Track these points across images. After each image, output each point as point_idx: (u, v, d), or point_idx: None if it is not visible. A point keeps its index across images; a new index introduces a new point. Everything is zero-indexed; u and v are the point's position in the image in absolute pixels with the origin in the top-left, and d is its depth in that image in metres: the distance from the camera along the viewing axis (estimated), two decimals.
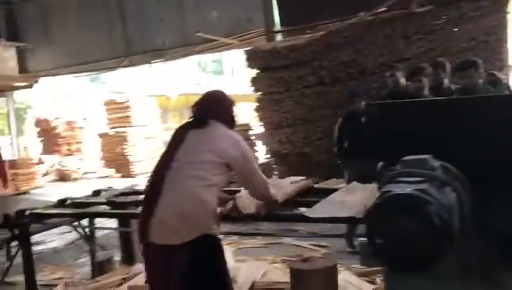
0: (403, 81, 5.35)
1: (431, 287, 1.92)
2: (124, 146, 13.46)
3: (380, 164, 1.64)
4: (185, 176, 2.37)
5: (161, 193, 2.37)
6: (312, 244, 5.24)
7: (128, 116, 13.83)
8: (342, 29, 7.76)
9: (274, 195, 2.60)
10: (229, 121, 2.61)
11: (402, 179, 1.44)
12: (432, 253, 1.30)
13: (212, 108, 2.57)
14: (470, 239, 1.52)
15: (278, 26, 9.73)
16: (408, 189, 1.33)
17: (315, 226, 5.72)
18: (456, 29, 7.04)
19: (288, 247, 5.37)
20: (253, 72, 8.73)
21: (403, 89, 5.22)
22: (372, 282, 3.54)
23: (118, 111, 14.02)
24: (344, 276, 3.60)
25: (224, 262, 2.48)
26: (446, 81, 4.95)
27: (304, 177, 7.90)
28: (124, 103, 13.95)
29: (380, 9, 7.93)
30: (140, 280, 4.22)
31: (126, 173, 13.36)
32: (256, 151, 8.90)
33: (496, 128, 1.75)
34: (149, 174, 2.58)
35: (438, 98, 3.96)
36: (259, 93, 8.77)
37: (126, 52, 12.38)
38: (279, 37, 9.69)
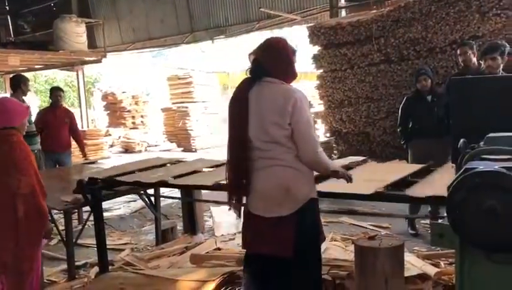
0: (474, 60, 5.07)
1: (504, 272, 1.84)
2: (186, 121, 13.80)
3: (462, 140, 1.56)
4: (269, 157, 2.40)
5: (249, 171, 2.43)
6: (372, 225, 5.17)
7: (190, 92, 14.12)
8: (411, 5, 7.42)
9: (330, 164, 2.51)
10: (288, 72, 2.52)
11: (486, 156, 1.37)
12: None
13: (270, 59, 2.47)
14: None
15: (342, 1, 9.47)
16: (494, 166, 1.27)
17: (375, 207, 5.64)
18: None
19: (347, 226, 5.33)
20: (316, 49, 8.59)
21: (474, 68, 4.94)
22: (436, 265, 3.44)
23: (181, 86, 14.34)
24: (407, 257, 3.52)
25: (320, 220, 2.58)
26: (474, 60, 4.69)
27: (364, 157, 7.78)
28: (186, 78, 14.23)
29: None
30: (202, 249, 4.38)
31: (187, 147, 13.74)
32: (317, 129, 8.81)
33: None
34: (228, 149, 2.54)
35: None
36: (321, 70, 8.63)
37: (189, 29, 12.57)
38: (343, 12, 9.44)
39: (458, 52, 5.32)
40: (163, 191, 5.11)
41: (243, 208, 2.55)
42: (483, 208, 1.26)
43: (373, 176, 2.92)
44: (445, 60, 7.14)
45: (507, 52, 4.47)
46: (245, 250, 2.62)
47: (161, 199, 5.01)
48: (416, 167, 3.17)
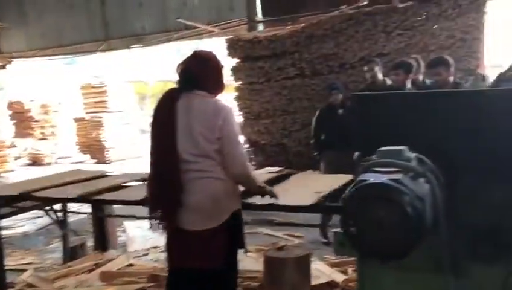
0: (380, 75, 5.41)
1: (402, 278, 1.96)
2: (100, 132, 13.25)
3: (357, 153, 1.65)
4: (197, 169, 2.37)
5: (181, 184, 2.36)
6: (286, 234, 5.27)
7: (104, 102, 13.60)
8: (323, 22, 7.78)
9: (257, 179, 2.54)
10: (218, 85, 2.51)
11: (377, 169, 1.45)
12: (403, 243, 1.32)
13: (200, 71, 2.44)
14: (441, 231, 1.54)
15: (259, 16, 9.68)
16: (383, 178, 1.35)
17: (292, 217, 5.77)
18: (436, 26, 7.14)
19: (263, 237, 5.39)
20: (234, 61, 8.69)
21: (380, 83, 5.27)
22: (344, 272, 3.58)
23: (95, 96, 13.77)
24: (317, 266, 3.64)
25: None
26: (421, 77, 5.03)
27: (281, 168, 7.92)
28: (101, 87, 13.71)
29: (362, 3, 7.99)
30: (114, 265, 4.20)
31: (101, 159, 13.18)
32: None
33: (469, 122, 1.78)
34: (152, 160, 2.46)
35: (414, 91, 4.02)
36: (239, 82, 8.75)
37: (104, 36, 12.16)
38: (260, 27, 9.66)
39: (365, 68, 5.62)
40: (72, 206, 4.83)
41: (164, 222, 2.48)
42: (373, 218, 1.32)
43: (308, 187, 2.93)
44: (355, 75, 7.55)
45: (414, 70, 4.78)
46: (163, 264, 2.55)
47: (71, 214, 4.75)
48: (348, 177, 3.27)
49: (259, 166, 8.56)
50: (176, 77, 2.52)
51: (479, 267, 1.86)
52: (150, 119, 2.51)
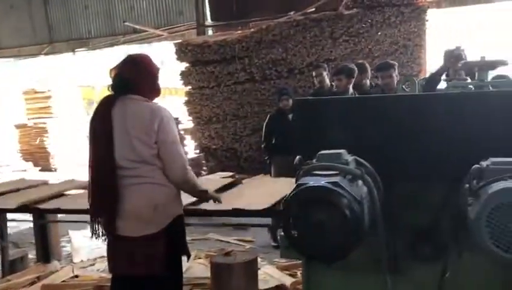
0: (327, 81, 5.52)
1: (346, 279, 2.00)
2: (44, 138, 12.72)
3: (297, 157, 1.67)
4: (135, 175, 2.34)
5: (118, 190, 2.32)
6: (237, 239, 5.26)
7: (49, 107, 13.08)
8: (272, 28, 7.86)
9: (198, 183, 2.53)
10: (153, 89, 2.47)
11: (317, 172, 1.47)
12: (342, 245, 1.35)
13: (134, 75, 2.40)
14: (379, 232, 1.58)
15: (209, 20, 9.66)
16: (321, 181, 1.37)
17: (240, 221, 5.76)
18: (380, 33, 7.38)
19: (214, 242, 5.35)
20: (183, 66, 8.61)
21: (328, 88, 5.38)
22: (293, 275, 3.61)
23: (38, 101, 13.22)
24: (266, 270, 3.65)
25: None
26: (367, 81, 5.18)
27: (232, 173, 7.92)
28: (45, 92, 13.18)
29: (310, 10, 8.14)
30: (57, 277, 4.03)
31: (46, 167, 12.65)
32: (185, 145, 8.79)
33: (407, 125, 1.84)
34: (89, 169, 2.42)
35: (351, 96, 4.13)
36: (189, 87, 8.67)
37: (48, 39, 11.71)
38: (210, 31, 9.63)
39: (314, 73, 5.71)
40: (11, 216, 4.60)
41: (104, 230, 2.43)
42: (313, 221, 1.34)
43: (263, 191, 2.93)
44: (303, 80, 7.68)
45: (355, 74, 4.91)
46: (110, 274, 2.51)
47: (11, 225, 4.51)
48: None
49: (211, 171, 8.50)
50: (109, 82, 2.47)
51: (417, 266, 1.93)
52: (88, 128, 2.45)
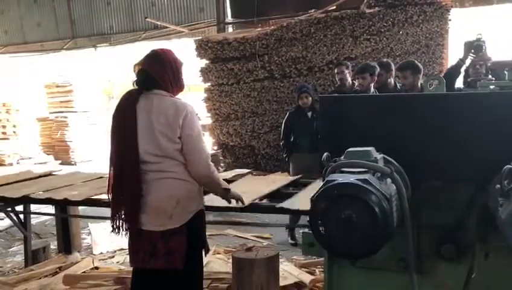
0: (349, 79, 5.49)
1: (369, 277, 1.99)
2: (65, 132, 12.91)
3: (325, 154, 1.67)
4: (158, 170, 2.36)
5: (141, 185, 2.35)
6: (255, 236, 5.28)
7: (70, 101, 13.27)
8: (292, 25, 7.85)
9: (222, 181, 2.53)
10: (177, 84, 2.48)
11: (345, 169, 1.47)
12: (371, 242, 1.35)
13: (159, 70, 2.41)
14: (407, 231, 1.58)
15: (229, 17, 9.68)
16: (351, 178, 1.37)
17: (258, 218, 5.78)
18: (401, 32, 7.31)
19: (232, 238, 5.38)
20: (203, 63, 8.65)
21: (349, 86, 5.35)
22: (312, 273, 3.61)
23: (60, 95, 13.41)
24: (285, 267, 3.66)
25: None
26: (392, 80, 5.12)
27: (249, 170, 7.94)
28: (67, 86, 13.37)
29: (331, 8, 8.10)
30: (78, 268, 4.10)
31: (66, 160, 12.84)
32: (204, 142, 8.84)
33: (435, 124, 1.83)
34: (111, 162, 2.45)
35: (381, 94, 4.10)
36: (208, 84, 8.71)
37: (70, 34, 11.88)
38: (230, 28, 9.65)
39: (336, 70, 5.68)
40: (35, 207, 4.69)
41: (126, 224, 2.45)
42: (342, 218, 1.34)
43: (250, 188, 2.98)
44: (323, 78, 7.66)
45: (377, 73, 4.88)
46: (129, 267, 2.54)
47: (33, 216, 4.60)
48: (290, 179, 3.32)
49: (228, 167, 8.55)
50: (134, 77, 2.49)
51: (442, 266, 1.92)
52: (110, 122, 2.48)
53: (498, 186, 1.45)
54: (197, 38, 8.99)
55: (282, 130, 5.58)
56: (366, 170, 1.46)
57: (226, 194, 2.53)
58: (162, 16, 10.37)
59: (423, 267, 1.94)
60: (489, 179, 1.62)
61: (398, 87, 4.95)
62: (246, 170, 8.19)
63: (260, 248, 2.84)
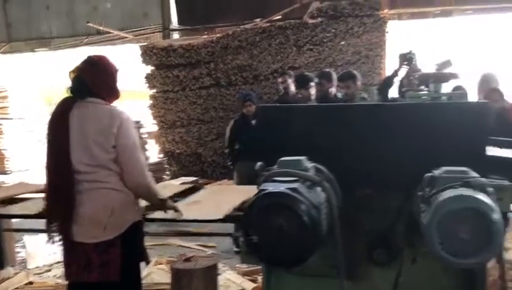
0: (292, 88, 5.57)
1: (305, 283, 2.03)
2: None
3: (259, 164, 1.69)
4: (92, 180, 2.30)
5: (74, 195, 2.29)
6: (199, 245, 5.23)
7: (5, 107, 12.59)
8: (238, 34, 7.90)
9: (157, 191, 2.50)
10: (112, 91, 2.44)
11: (277, 178, 1.50)
12: (300, 250, 1.37)
13: (93, 77, 2.37)
14: (336, 238, 1.62)
15: (175, 24, 9.60)
16: (281, 187, 1.39)
17: (205, 226, 5.73)
18: (343, 42, 7.54)
19: (176, 248, 5.30)
20: (148, 69, 8.53)
21: (292, 95, 5.43)
22: (254, 281, 3.63)
23: None
24: (227, 275, 3.66)
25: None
26: (333, 90, 5.25)
27: (196, 178, 7.84)
28: (1, 92, 12.69)
29: (275, 18, 8.23)
30: (11, 284, 3.90)
31: (0, 169, 12.17)
32: (147, 150, 8.68)
33: (365, 133, 1.90)
34: (46, 173, 2.38)
35: (317, 104, 4.20)
36: (154, 90, 8.59)
37: (5, 38, 11.32)
38: (175, 35, 9.58)
39: (279, 80, 5.75)
40: None
41: (59, 235, 2.38)
42: (272, 226, 1.36)
43: (221, 199, 2.91)
44: (268, 86, 7.75)
45: (314, 83, 4.98)
46: (66, 281, 2.45)
47: None
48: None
49: (174, 176, 8.44)
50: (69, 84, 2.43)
51: (374, 271, 1.98)
52: (46, 130, 2.40)
53: (420, 193, 1.53)
54: (142, 44, 8.85)
55: (226, 138, 5.58)
56: (297, 179, 1.49)
57: (162, 204, 2.49)
58: (105, 21, 10.11)
59: (356, 272, 2.00)
60: (415, 187, 1.70)
61: (339, 96, 5.10)
62: (192, 178, 8.14)
63: (200, 257, 2.82)
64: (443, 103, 1.96)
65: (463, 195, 1.34)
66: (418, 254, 1.87)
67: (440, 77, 1.92)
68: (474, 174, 1.48)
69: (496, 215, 1.32)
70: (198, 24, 9.10)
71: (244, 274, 3.75)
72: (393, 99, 3.73)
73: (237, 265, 4.20)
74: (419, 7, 8.05)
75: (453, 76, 1.91)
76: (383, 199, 1.93)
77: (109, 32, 10.04)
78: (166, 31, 9.39)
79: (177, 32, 9.56)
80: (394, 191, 1.91)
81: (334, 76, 5.22)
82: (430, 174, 1.54)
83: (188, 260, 2.72)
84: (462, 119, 1.73)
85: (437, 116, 1.78)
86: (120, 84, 2.49)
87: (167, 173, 8.66)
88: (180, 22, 9.51)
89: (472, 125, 1.71)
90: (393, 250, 1.95)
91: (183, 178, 8.18)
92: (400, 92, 3.98)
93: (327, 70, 5.68)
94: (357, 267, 1.97)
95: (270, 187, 1.41)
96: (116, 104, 2.51)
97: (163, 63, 8.31)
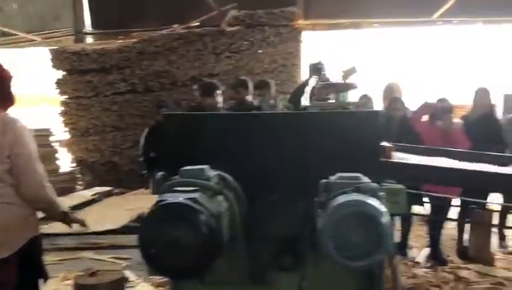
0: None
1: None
2: None
3: (159, 173, 1.66)
4: None
5: None
6: (113, 257, 5.03)
7: None
8: (155, 39, 7.77)
9: (59, 204, 2.37)
10: (3, 99, 2.29)
11: (177, 188, 1.47)
12: (199, 260, 1.36)
13: None
14: (240, 245, 1.63)
15: (88, 27, 9.23)
16: (180, 198, 1.37)
17: (119, 238, 5.53)
18: (260, 51, 7.69)
19: (88, 261, 5.05)
20: (59, 74, 8.11)
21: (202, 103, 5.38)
22: None
23: None
24: (142, 287, 3.55)
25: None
26: (249, 98, 5.30)
27: (111, 188, 7.54)
28: None
29: (193, 24, 8.20)
30: None
31: None
32: (58, 159, 8.23)
33: (271, 142, 1.93)
34: None
35: (222, 112, 4.22)
36: (65, 96, 8.17)
37: None
38: (89, 39, 9.21)
39: (195, 87, 5.72)
40: None
41: None
42: (169, 238, 1.33)
43: (122, 208, 2.83)
44: (186, 93, 7.68)
45: (222, 91, 4.93)
46: None
47: None
48: None
49: (88, 186, 8.08)
50: None
51: (281, 276, 2.02)
52: None
53: (317, 199, 1.58)
54: (53, 47, 8.40)
55: (141, 146, 5.44)
56: (198, 188, 1.48)
57: (65, 217, 2.36)
58: (12, 23, 9.48)
59: (264, 277, 2.02)
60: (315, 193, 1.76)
61: (256, 104, 5.16)
62: (107, 188, 7.83)
63: (106, 271, 2.70)
64: (339, 112, 2.05)
65: (353, 200, 1.40)
66: (321, 257, 1.93)
67: (339, 87, 2.01)
68: (366, 179, 1.55)
69: (385, 219, 1.39)
70: (113, 28, 8.83)
71: (158, 285, 3.67)
72: (305, 108, 3.87)
73: (151, 276, 4.08)
74: (331, 19, 8.42)
75: (351, 86, 2.01)
76: (289, 205, 1.97)
77: (15, 34, 9.42)
78: (79, 34, 9.00)
79: (90, 36, 9.20)
80: (299, 197, 1.95)
81: (251, 84, 5.29)
82: (325, 180, 1.59)
83: (93, 274, 2.60)
84: (356, 126, 1.82)
85: (334, 124, 1.85)
86: (15, 90, 2.34)
87: (80, 183, 8.26)
88: (93, 25, 9.16)
89: (365, 132, 1.80)
90: (298, 255, 2.00)
91: (97, 188, 7.86)
92: (311, 101, 4.12)
93: (243, 78, 5.74)
94: (264, 272, 2.00)
95: (169, 198, 1.38)
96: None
97: (75, 68, 7.95)
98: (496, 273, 4.20)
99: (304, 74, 7.60)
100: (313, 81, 4.11)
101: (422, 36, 9.02)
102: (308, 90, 4.29)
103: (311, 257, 1.99)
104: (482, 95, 4.78)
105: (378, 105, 4.82)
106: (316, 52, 7.53)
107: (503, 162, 2.51)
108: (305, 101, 4.37)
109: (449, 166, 2.24)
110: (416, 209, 4.99)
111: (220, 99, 4.65)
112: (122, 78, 7.84)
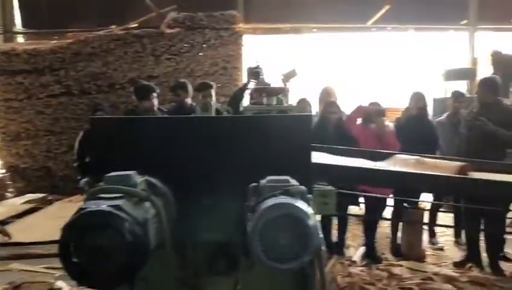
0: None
1: None
2: None
3: (83, 180, 1.59)
4: None
5: None
6: (46, 267, 4.79)
7: None
8: (91, 40, 7.51)
9: None
10: None
11: (101, 195, 1.42)
12: (123, 269, 1.31)
13: None
14: (168, 252, 1.60)
15: (19, 27, 8.78)
16: (103, 205, 1.32)
17: (52, 248, 5.27)
18: (201, 54, 7.64)
19: (19, 273, 4.78)
20: None
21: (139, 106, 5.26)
22: None
23: None
24: None
25: None
26: (189, 100, 5.22)
27: (45, 195, 7.21)
28: None
29: (131, 25, 8.02)
30: None
31: None
32: None
33: (203, 146, 1.91)
34: None
35: (149, 116, 4.13)
36: None
37: None
38: (20, 38, 8.76)
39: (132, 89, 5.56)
40: None
41: None
42: (92, 247, 1.29)
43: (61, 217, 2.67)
44: (124, 96, 7.48)
45: (157, 94, 4.81)
46: None
47: None
48: None
49: (19, 193, 7.68)
50: None
51: (215, 281, 2.00)
52: None
53: (247, 203, 1.58)
54: None
55: (75, 150, 5.22)
56: (123, 195, 1.43)
57: None
58: None
59: (199, 283, 1.99)
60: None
61: (196, 107, 5.11)
62: (40, 195, 7.46)
63: (33, 283, 2.57)
64: (270, 116, 2.07)
65: (280, 203, 1.41)
66: (254, 261, 1.94)
67: (271, 91, 2.03)
68: (294, 182, 1.57)
69: (311, 221, 1.41)
70: (46, 28, 8.44)
71: None
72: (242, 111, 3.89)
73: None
74: (271, 23, 8.53)
75: (282, 90, 2.04)
76: (222, 209, 1.97)
77: None
78: (8, 34, 8.53)
79: (21, 35, 8.75)
80: (232, 201, 1.95)
81: (190, 87, 5.22)
82: (254, 184, 1.60)
83: (18, 287, 2.46)
84: (287, 130, 1.84)
85: (266, 128, 1.87)
86: None
87: (11, 190, 7.83)
88: (24, 25, 8.73)
89: (296, 135, 1.83)
90: (232, 259, 1.99)
91: (29, 195, 7.48)
92: (251, 104, 4.15)
93: (182, 80, 5.66)
94: (198, 278, 1.97)
95: (91, 205, 1.33)
96: None
97: (4, 69, 7.53)
98: (426, 268, 4.41)
99: (245, 77, 7.64)
100: (251, 85, 4.14)
101: (358, 42, 9.35)
102: (247, 93, 4.32)
103: (244, 260, 2.00)
104: (417, 98, 4.99)
105: (316, 108, 4.93)
106: (257, 56, 7.59)
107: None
108: (245, 104, 4.40)
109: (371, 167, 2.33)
110: (352, 209, 5.14)
111: (155, 102, 4.54)
112: (56, 80, 7.52)
